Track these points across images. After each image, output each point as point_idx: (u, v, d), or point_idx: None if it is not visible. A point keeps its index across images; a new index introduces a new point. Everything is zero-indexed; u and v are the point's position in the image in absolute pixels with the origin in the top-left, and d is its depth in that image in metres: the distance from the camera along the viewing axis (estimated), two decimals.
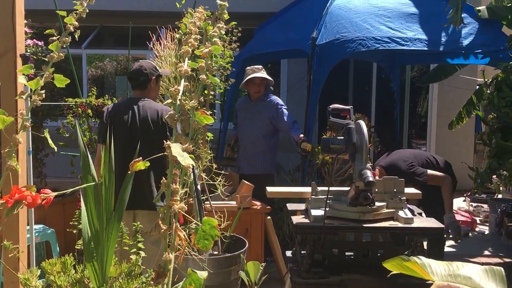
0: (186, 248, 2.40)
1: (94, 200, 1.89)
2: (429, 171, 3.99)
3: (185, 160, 1.29)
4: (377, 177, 3.89)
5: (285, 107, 4.65)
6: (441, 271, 1.53)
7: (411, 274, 1.56)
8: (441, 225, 2.72)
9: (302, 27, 5.15)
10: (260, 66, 4.70)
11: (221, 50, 3.64)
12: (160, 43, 3.84)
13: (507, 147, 3.51)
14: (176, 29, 3.65)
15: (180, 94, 1.53)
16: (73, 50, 7.56)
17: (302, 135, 4.34)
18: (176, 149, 1.31)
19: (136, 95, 3.38)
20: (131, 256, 2.08)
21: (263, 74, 4.60)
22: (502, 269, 1.53)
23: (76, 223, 2.27)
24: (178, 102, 1.51)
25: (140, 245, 2.25)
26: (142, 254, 2.17)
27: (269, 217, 3.95)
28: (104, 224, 1.87)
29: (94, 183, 1.91)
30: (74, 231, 2.31)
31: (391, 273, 1.59)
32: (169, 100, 1.51)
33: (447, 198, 3.89)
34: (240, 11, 7.32)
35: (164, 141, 1.38)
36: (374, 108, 8.37)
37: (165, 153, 1.36)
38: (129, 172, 1.46)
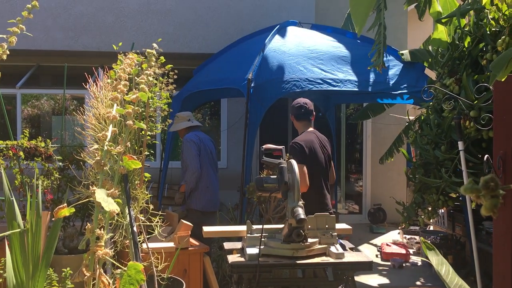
0: None
1: (20, 247, 1.85)
2: (302, 169, 3.42)
3: (110, 205, 1.32)
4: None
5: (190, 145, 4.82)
6: None
7: None
8: (370, 259, 2.84)
9: (239, 67, 5.30)
10: (184, 114, 5.04)
11: (157, 91, 3.70)
12: (96, 84, 3.83)
13: (428, 183, 3.75)
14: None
15: (108, 139, 1.56)
16: (7, 90, 7.35)
17: None
18: (101, 195, 1.34)
19: None
20: None
21: (177, 125, 4.97)
22: None
23: (1, 272, 2.19)
24: (106, 147, 1.54)
25: None
26: None
27: (207, 257, 3.94)
28: (30, 272, 1.83)
29: (19, 229, 1.87)
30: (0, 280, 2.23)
31: None
32: (95, 146, 1.53)
33: None
34: (179, 51, 7.46)
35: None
36: None
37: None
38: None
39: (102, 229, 1.35)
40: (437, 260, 1.47)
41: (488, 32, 3.62)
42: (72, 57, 7.51)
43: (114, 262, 1.47)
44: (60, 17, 7.50)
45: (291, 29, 5.76)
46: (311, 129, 3.88)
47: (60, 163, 4.24)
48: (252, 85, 4.65)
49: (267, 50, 5.11)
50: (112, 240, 2.89)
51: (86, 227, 1.38)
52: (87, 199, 1.42)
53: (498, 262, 2.41)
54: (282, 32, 5.61)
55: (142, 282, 1.39)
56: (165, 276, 3.24)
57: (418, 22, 6.56)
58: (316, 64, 5.09)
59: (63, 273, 2.32)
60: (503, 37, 3.25)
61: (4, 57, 1.91)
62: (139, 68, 2.46)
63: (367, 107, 7.36)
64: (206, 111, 8.55)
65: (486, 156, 2.37)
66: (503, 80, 1.50)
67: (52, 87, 7.99)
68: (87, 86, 3.89)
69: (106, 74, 3.80)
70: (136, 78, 2.61)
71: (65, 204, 1.46)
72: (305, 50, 5.24)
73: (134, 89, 1.74)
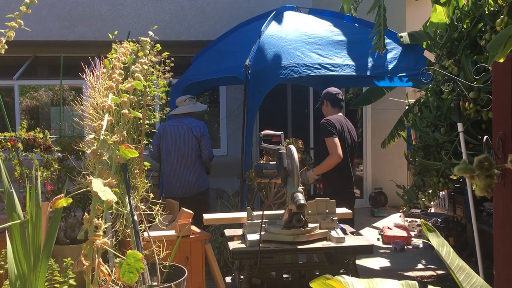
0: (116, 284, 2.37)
1: (21, 238, 1.85)
2: (334, 139, 4.03)
3: (107, 195, 1.31)
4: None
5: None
6: None
7: None
8: (371, 242, 2.85)
9: (237, 55, 5.26)
10: (185, 98, 5.11)
11: (155, 80, 3.67)
12: (93, 74, 3.81)
13: (428, 165, 3.74)
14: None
15: (104, 129, 1.55)
16: (5, 81, 7.33)
17: None
18: (97, 185, 1.33)
19: None
20: None
21: (182, 108, 5.05)
22: (416, 282, 1.64)
23: (2, 263, 2.20)
24: (102, 137, 1.53)
25: (71, 281, 2.20)
26: None
27: (209, 244, 3.95)
28: (31, 263, 1.83)
29: (19, 221, 1.87)
30: (1, 271, 2.23)
31: None
32: (92, 135, 1.52)
33: (322, 165, 4.08)
34: (176, 39, 7.41)
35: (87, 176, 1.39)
36: (313, 130, 8.61)
37: None
38: (50, 209, 1.45)
39: (100, 218, 1.35)
40: (438, 242, 1.46)
41: (486, 12, 3.58)
42: (69, 47, 7.46)
43: (113, 251, 1.47)
44: (55, 6, 7.43)
45: (288, 14, 5.71)
46: (341, 114, 4.33)
47: (59, 154, 4.24)
48: (250, 71, 4.63)
49: (264, 36, 5.07)
50: (113, 230, 2.90)
51: (84, 217, 1.37)
52: (87, 189, 1.42)
53: (498, 244, 2.42)
54: (279, 18, 5.57)
55: (142, 271, 1.39)
56: (167, 264, 3.25)
57: (416, 4, 6.51)
58: (313, 49, 5.05)
59: (64, 263, 2.32)
60: (502, 16, 3.21)
61: (2, 51, 1.89)
62: (135, 56, 2.44)
63: (367, 92, 7.33)
64: (205, 98, 8.52)
65: (485, 137, 2.36)
66: (501, 60, 1.48)
67: (49, 77, 7.96)
68: (84, 76, 3.86)
69: (102, 64, 3.78)
70: (132, 66, 2.59)
71: (62, 195, 1.46)
72: (302, 36, 5.20)
73: (129, 78, 1.72)
